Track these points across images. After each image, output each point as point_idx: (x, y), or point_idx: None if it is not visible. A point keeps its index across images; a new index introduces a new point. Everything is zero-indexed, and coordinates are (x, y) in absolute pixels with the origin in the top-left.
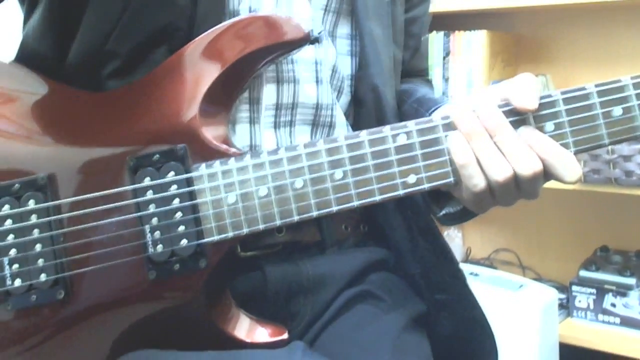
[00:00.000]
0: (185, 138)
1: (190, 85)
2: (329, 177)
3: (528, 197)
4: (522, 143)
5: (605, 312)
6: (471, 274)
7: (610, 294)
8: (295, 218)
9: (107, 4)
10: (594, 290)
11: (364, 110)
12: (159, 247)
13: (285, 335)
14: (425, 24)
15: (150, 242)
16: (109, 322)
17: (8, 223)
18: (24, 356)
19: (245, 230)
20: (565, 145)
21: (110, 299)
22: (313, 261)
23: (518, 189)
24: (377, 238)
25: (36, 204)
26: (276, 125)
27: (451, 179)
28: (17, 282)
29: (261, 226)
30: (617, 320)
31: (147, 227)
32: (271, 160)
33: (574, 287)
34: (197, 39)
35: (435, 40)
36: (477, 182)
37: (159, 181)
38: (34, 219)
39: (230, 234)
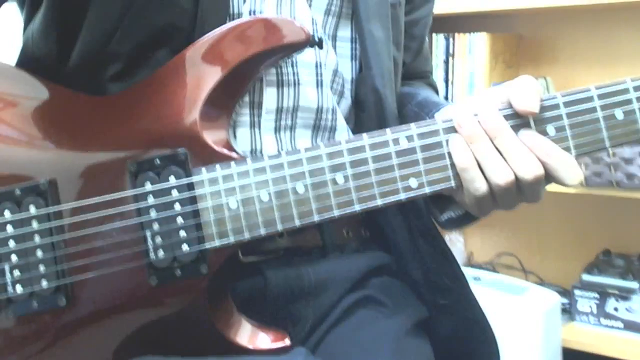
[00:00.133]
0: (186, 142)
1: (191, 88)
2: (330, 182)
3: (530, 201)
4: (523, 146)
5: (608, 316)
6: (473, 278)
7: (613, 298)
8: (297, 223)
9: (109, 6)
10: (596, 294)
11: (365, 113)
12: (160, 253)
13: (287, 341)
14: (427, 26)
15: (151, 248)
16: (110, 329)
17: (9, 229)
18: None
19: (246, 236)
20: (566, 149)
21: (111, 305)
22: (314, 266)
23: (519, 193)
24: (379, 242)
25: (37, 209)
26: (277, 129)
27: (452, 183)
28: (19, 289)
29: (263, 232)
30: (620, 324)
31: (148, 233)
32: (272, 165)
33: (577, 291)
34: (198, 41)
35: (436, 42)
36: (479, 186)
37: (159, 186)
38: (34, 225)
39: (232, 240)
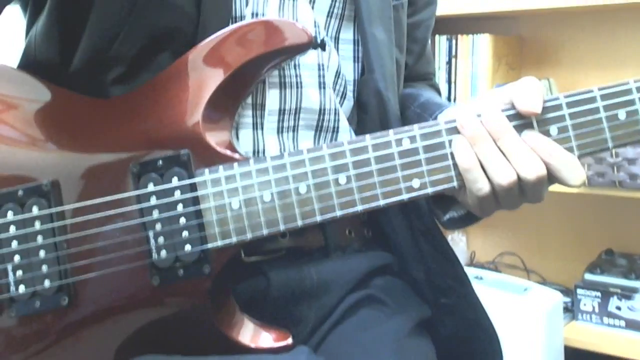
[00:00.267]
0: (189, 143)
1: (194, 90)
2: (332, 182)
3: (532, 201)
4: (526, 147)
5: (610, 315)
6: (476, 277)
7: (615, 297)
8: (299, 223)
9: (111, 9)
10: (598, 294)
11: (368, 115)
12: (163, 253)
13: (290, 340)
14: (430, 28)
15: (154, 248)
16: (113, 328)
17: (12, 229)
18: None
19: (249, 236)
20: (569, 149)
21: (114, 304)
22: (317, 266)
23: (522, 193)
24: (381, 242)
25: (40, 210)
26: (279, 131)
27: (455, 184)
28: (21, 289)
29: (265, 232)
30: (622, 323)
31: (150, 233)
32: (275, 166)
33: (579, 291)
34: (200, 44)
35: (439, 44)
36: (481, 187)
37: (162, 187)
38: (37, 225)
39: (234, 240)
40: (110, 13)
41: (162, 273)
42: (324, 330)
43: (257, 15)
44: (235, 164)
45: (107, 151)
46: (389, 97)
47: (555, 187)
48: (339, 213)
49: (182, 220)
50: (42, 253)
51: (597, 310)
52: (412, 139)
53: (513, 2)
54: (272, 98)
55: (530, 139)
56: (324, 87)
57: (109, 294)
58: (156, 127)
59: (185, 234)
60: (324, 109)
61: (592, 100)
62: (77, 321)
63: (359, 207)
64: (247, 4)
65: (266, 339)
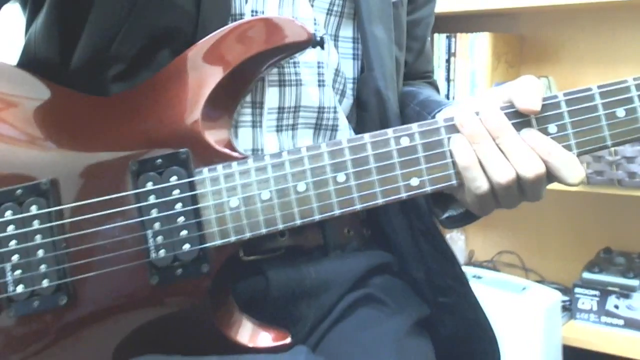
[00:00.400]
0: (188, 142)
1: (193, 89)
2: (331, 180)
3: (531, 199)
4: (525, 145)
5: (609, 314)
6: (474, 276)
7: (614, 295)
8: (298, 222)
9: (111, 8)
10: (597, 292)
11: (367, 113)
12: (162, 252)
13: (288, 340)
14: (429, 26)
15: (152, 247)
16: (111, 328)
17: (10, 229)
18: None
19: (247, 235)
20: (568, 147)
21: (112, 304)
22: (316, 265)
23: (521, 191)
24: (380, 241)
25: (38, 209)
26: (279, 129)
27: (454, 182)
28: (20, 288)
29: (264, 230)
30: (621, 322)
31: (149, 232)
32: (273, 164)
33: (577, 289)
34: (200, 42)
35: (438, 42)
36: (480, 185)
37: (161, 185)
38: (36, 224)
39: (233, 238)
40: (110, 12)
41: (160, 272)
42: (323, 329)
43: (256, 13)
44: (234, 163)
45: (106, 150)
46: (388, 95)
47: (554, 186)
48: (337, 211)
49: (181, 219)
50: (40, 252)
51: (595, 309)
52: (411, 137)
53: (512, 0)
54: (271, 96)
55: (529, 138)
56: (323, 86)
57: (108, 293)
58: (155, 126)
59: (184, 232)
60: (323, 107)
61: (591, 98)
62: (76, 321)
63: (358, 206)
64: (246, 2)
65: (265, 339)
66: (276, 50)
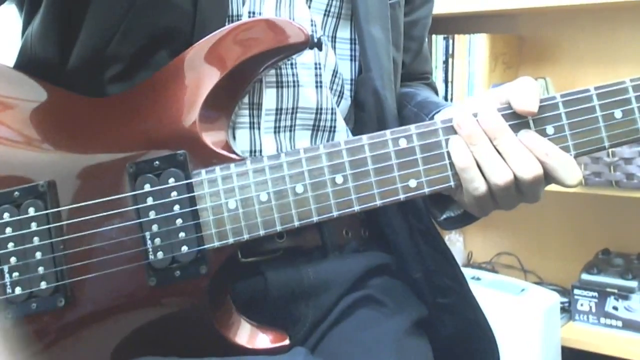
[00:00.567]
0: (186, 144)
1: (191, 90)
2: (329, 182)
3: (529, 201)
4: (522, 147)
5: (607, 315)
6: (473, 278)
7: (612, 297)
8: (296, 224)
9: (108, 8)
10: (595, 294)
11: (365, 114)
12: (160, 254)
13: (287, 341)
14: (427, 26)
15: (150, 249)
16: (110, 329)
17: (8, 231)
18: None
19: (245, 236)
20: (566, 149)
21: (110, 306)
22: (314, 266)
23: (519, 193)
24: (379, 242)
25: (36, 211)
26: (276, 130)
27: (451, 183)
28: (17, 290)
29: (261, 232)
30: (619, 323)
31: (147, 234)
32: (271, 165)
33: (576, 291)
34: (197, 43)
35: (436, 43)
36: (478, 186)
37: (159, 187)
38: (33, 226)
39: (231, 240)
40: (107, 12)
41: (159, 274)
42: (323, 329)
43: (254, 14)
44: (232, 164)
45: (104, 151)
46: (386, 96)
47: (552, 187)
48: (335, 213)
49: (179, 221)
50: (38, 254)
51: (594, 310)
52: (409, 138)
53: (510, 1)
54: (269, 98)
55: (527, 139)
56: (321, 87)
57: (106, 295)
58: (153, 127)
59: (181, 234)
60: (321, 109)
61: (589, 99)
62: (74, 322)
63: (356, 207)
64: (244, 3)
65: (263, 340)
66: (274, 52)
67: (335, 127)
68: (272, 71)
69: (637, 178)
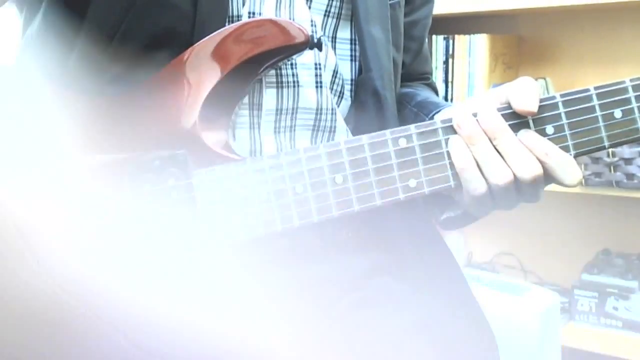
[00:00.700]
0: (186, 144)
1: (191, 90)
2: (329, 182)
3: (529, 201)
4: (522, 146)
5: (608, 315)
6: (472, 278)
7: (613, 297)
8: (296, 223)
9: (108, 9)
10: (596, 294)
11: (365, 114)
12: None
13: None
14: (427, 27)
15: None
16: None
17: None
18: None
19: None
20: (566, 148)
21: None
22: (314, 266)
23: (519, 193)
24: (378, 243)
25: None
26: (276, 130)
27: (451, 183)
28: None
29: (262, 232)
30: (620, 323)
31: None
32: (271, 165)
33: (576, 291)
34: (198, 43)
35: (436, 43)
36: (477, 186)
37: (158, 187)
38: None
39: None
40: (107, 13)
41: None
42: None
43: (254, 14)
44: (232, 164)
45: (103, 151)
46: (386, 96)
47: (552, 187)
48: (336, 213)
49: None
50: None
51: (594, 310)
52: (409, 138)
53: (510, 1)
54: (269, 98)
55: (527, 139)
56: (321, 87)
57: None
58: (153, 127)
59: None
60: (321, 109)
61: (588, 99)
62: None
63: (356, 207)
64: (244, 4)
65: None
66: (274, 52)
67: (335, 127)
68: (272, 71)
69: (637, 178)
